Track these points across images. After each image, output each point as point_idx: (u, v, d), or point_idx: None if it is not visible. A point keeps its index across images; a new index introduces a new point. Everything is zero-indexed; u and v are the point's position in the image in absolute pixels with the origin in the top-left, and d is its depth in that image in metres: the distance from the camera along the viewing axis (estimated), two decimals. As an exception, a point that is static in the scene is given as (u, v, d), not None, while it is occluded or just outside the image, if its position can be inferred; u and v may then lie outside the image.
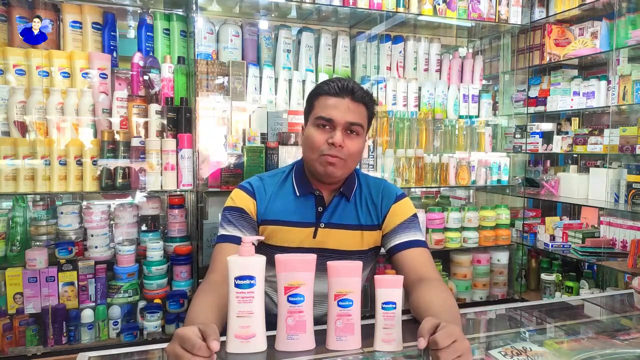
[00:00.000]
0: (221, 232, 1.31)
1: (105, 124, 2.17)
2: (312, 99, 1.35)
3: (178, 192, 2.31)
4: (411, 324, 1.19)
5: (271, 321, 1.05)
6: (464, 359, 0.87)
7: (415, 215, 1.39)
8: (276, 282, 1.04)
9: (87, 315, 2.14)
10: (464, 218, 2.72)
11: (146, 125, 2.20)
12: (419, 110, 2.72)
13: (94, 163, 2.12)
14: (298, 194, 1.36)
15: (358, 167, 2.43)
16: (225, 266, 1.00)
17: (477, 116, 2.85)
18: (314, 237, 1.33)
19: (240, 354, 0.99)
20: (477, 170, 2.76)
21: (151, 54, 2.33)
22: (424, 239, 1.37)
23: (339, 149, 1.27)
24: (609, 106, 2.76)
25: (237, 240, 1.27)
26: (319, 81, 2.51)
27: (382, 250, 1.43)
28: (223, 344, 1.02)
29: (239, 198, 1.34)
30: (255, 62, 2.47)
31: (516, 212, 3.07)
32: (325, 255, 1.31)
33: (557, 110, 3.08)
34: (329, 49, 2.64)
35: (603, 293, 2.27)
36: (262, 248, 1.31)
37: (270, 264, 1.05)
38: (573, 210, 3.35)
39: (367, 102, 1.33)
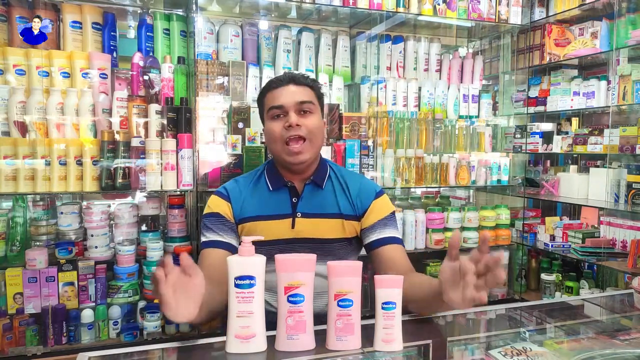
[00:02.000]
0: (202, 239, 1.35)
1: (105, 124, 2.17)
2: (261, 99, 1.41)
3: (178, 192, 2.31)
4: (411, 324, 1.19)
5: (270, 320, 1.05)
6: (485, 295, 0.94)
7: (393, 213, 1.43)
8: (270, 282, 1.05)
9: (87, 315, 2.13)
10: (464, 218, 2.72)
11: (146, 125, 2.20)
12: (419, 110, 2.72)
13: (94, 163, 2.12)
14: (271, 189, 1.39)
15: (357, 168, 2.45)
16: (225, 266, 1.00)
17: (477, 116, 2.85)
18: (293, 227, 1.36)
19: (240, 354, 0.99)
20: (477, 170, 2.76)
21: (151, 54, 2.33)
22: (401, 237, 1.43)
23: (296, 128, 1.30)
24: (609, 106, 2.76)
25: (217, 245, 1.32)
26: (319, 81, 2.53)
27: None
28: (223, 344, 1.02)
29: (214, 204, 1.39)
30: (255, 62, 2.47)
31: (516, 212, 3.07)
32: (307, 245, 1.34)
33: (557, 110, 3.08)
34: (329, 49, 2.64)
35: (603, 293, 2.28)
36: None
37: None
38: (573, 210, 3.35)
39: (310, 83, 1.38)
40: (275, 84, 1.36)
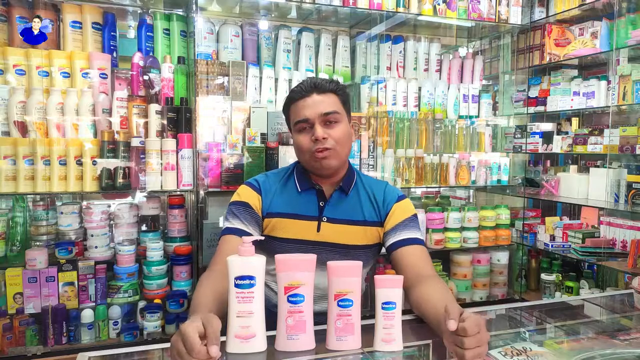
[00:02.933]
0: (226, 225, 1.37)
1: (105, 124, 2.17)
2: (286, 109, 1.42)
3: (178, 192, 2.31)
4: (411, 324, 1.19)
5: (272, 310, 1.06)
6: (483, 349, 0.90)
7: (415, 216, 1.43)
8: (276, 276, 1.06)
9: (87, 315, 2.13)
10: (464, 218, 2.72)
11: (146, 125, 2.20)
12: (419, 110, 2.72)
13: (94, 163, 2.12)
14: (300, 190, 1.40)
15: (358, 167, 2.45)
16: (225, 266, 1.00)
17: (477, 116, 2.85)
18: (318, 230, 1.37)
19: (240, 354, 0.99)
20: (477, 170, 2.76)
21: (151, 54, 2.33)
22: (423, 238, 1.42)
23: (323, 141, 1.32)
24: (609, 106, 2.76)
25: (239, 232, 1.33)
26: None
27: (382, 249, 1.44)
28: (223, 343, 1.02)
29: (244, 193, 1.40)
30: (255, 62, 2.47)
31: (516, 212, 3.06)
32: (331, 250, 1.36)
33: (557, 110, 3.08)
34: (329, 49, 2.64)
35: (603, 293, 2.27)
36: (267, 240, 1.34)
37: (271, 256, 1.07)
38: (573, 210, 3.35)
39: (334, 89, 1.37)
40: (299, 94, 1.35)
